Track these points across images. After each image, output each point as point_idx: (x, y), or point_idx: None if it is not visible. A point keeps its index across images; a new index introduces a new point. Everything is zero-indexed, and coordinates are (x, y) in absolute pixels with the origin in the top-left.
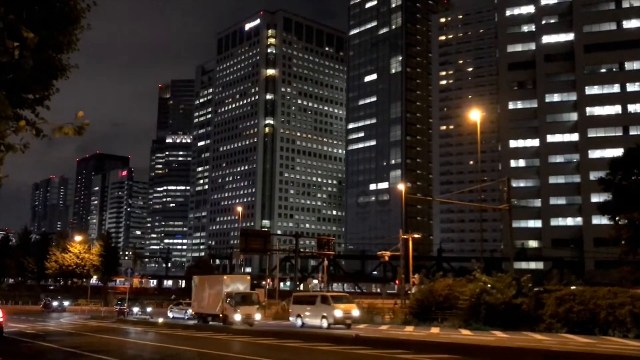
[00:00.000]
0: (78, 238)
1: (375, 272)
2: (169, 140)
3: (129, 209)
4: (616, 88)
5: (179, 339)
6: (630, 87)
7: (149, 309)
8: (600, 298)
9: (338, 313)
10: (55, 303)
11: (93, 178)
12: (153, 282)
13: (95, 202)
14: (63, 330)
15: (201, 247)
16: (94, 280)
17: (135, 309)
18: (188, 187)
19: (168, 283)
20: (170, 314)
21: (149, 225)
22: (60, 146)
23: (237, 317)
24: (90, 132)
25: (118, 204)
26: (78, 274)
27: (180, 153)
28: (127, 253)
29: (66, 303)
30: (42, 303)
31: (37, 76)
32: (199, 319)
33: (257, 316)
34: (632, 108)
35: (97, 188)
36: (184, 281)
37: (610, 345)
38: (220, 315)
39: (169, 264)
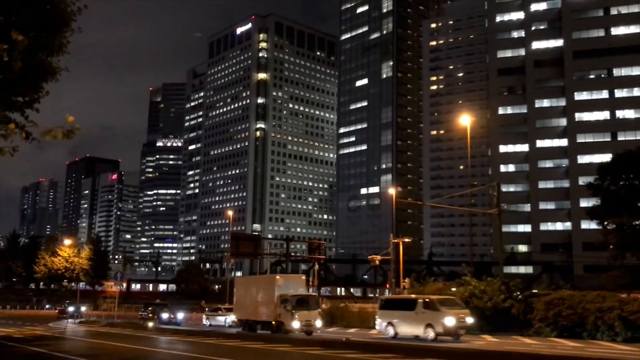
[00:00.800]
0: (67, 242)
1: (366, 277)
2: (159, 143)
3: (119, 213)
4: (605, 94)
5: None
6: (619, 93)
7: (180, 316)
8: (589, 302)
9: (449, 321)
10: (71, 309)
11: (83, 181)
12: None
13: (85, 205)
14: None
15: (191, 251)
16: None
17: (165, 315)
18: (178, 191)
19: (162, 287)
20: (206, 321)
21: (139, 229)
22: (50, 149)
23: (296, 324)
24: (80, 135)
25: (108, 207)
26: (67, 277)
27: (171, 157)
28: (117, 257)
29: (83, 309)
30: (58, 309)
31: (27, 79)
32: (244, 327)
33: (318, 323)
34: (620, 114)
35: (87, 191)
36: (174, 285)
37: (598, 349)
38: (274, 322)
39: (159, 268)
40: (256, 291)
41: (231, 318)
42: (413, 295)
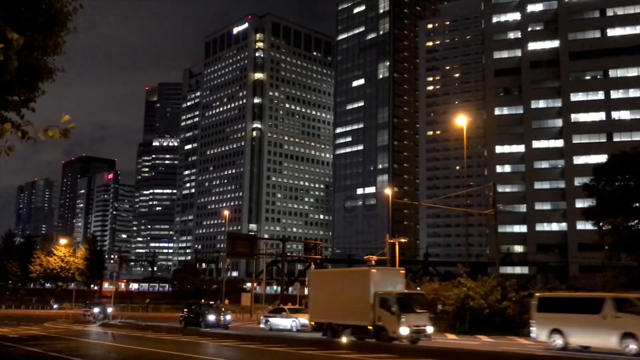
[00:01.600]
0: (63, 241)
1: None
2: (155, 143)
3: (114, 212)
4: (600, 95)
5: None
6: (614, 94)
7: (228, 317)
8: None
9: None
10: (96, 310)
11: (79, 181)
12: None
13: (81, 205)
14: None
15: (187, 250)
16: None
17: (212, 317)
18: (175, 191)
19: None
20: (264, 324)
21: (134, 228)
22: (45, 149)
23: (404, 330)
24: (76, 134)
25: (104, 207)
26: (63, 277)
27: (167, 156)
28: (112, 256)
29: (110, 310)
30: (83, 310)
31: (23, 78)
32: (324, 332)
33: (430, 329)
34: (616, 115)
35: (82, 191)
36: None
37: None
38: (370, 326)
39: (155, 268)
40: (342, 288)
41: (300, 321)
42: (591, 294)
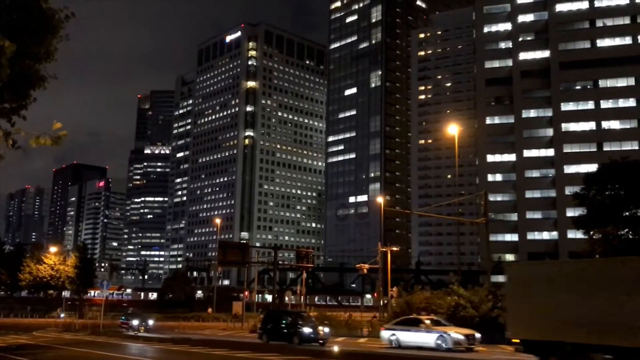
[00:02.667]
0: (53, 249)
1: (354, 285)
2: (147, 151)
3: (105, 220)
4: (590, 105)
5: None
6: (604, 104)
7: (327, 330)
8: None
9: None
10: (135, 322)
11: (70, 188)
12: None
13: (72, 212)
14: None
15: (178, 259)
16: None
17: (307, 330)
18: (166, 199)
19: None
20: (390, 338)
21: (125, 236)
22: (36, 156)
23: None
24: (67, 142)
25: (95, 214)
26: (53, 285)
27: (159, 164)
28: (103, 265)
29: (151, 322)
30: (120, 322)
31: (14, 85)
32: (545, 355)
33: None
34: (606, 124)
35: (73, 199)
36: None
37: None
38: None
39: (146, 276)
40: (598, 287)
41: (452, 336)
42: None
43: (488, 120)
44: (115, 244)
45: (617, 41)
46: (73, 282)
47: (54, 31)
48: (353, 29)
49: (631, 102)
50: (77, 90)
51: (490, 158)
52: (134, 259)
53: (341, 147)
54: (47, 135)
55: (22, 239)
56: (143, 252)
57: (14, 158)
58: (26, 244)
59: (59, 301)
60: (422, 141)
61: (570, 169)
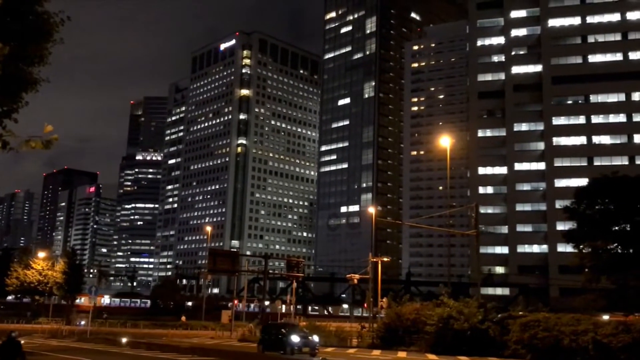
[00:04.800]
0: (42, 254)
1: (344, 295)
2: (139, 157)
3: (95, 226)
4: (582, 119)
5: None
6: (595, 119)
7: (315, 338)
8: (564, 325)
9: None
10: (296, 339)
11: (60, 193)
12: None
13: (61, 218)
14: None
15: (168, 266)
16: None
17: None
18: (157, 205)
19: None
20: None
21: (115, 243)
22: (27, 160)
23: None
24: (58, 147)
25: (84, 220)
26: (40, 291)
27: (150, 170)
28: (92, 271)
29: (316, 338)
30: (260, 336)
31: (6, 88)
32: None
33: None
34: (596, 139)
35: (63, 204)
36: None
37: None
38: None
39: (135, 283)
40: None
41: None
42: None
43: (480, 133)
44: (104, 250)
45: (609, 57)
46: (61, 288)
47: (48, 35)
48: (347, 40)
49: (621, 118)
50: (70, 95)
51: (482, 170)
52: (123, 265)
53: (334, 157)
54: (38, 139)
55: (11, 243)
56: (132, 259)
57: (4, 161)
58: (14, 248)
59: (47, 307)
60: (415, 152)
61: (560, 183)
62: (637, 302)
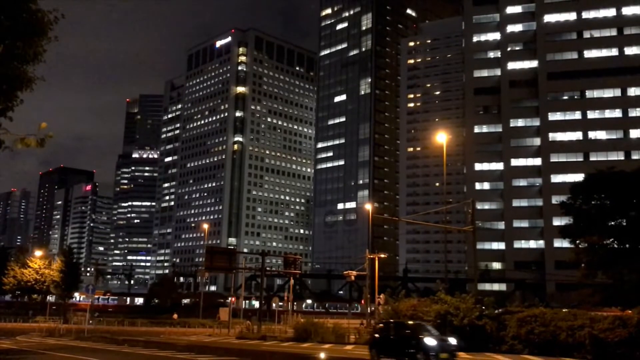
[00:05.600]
0: (38, 253)
1: (341, 292)
2: (135, 155)
3: (92, 224)
4: (577, 115)
5: None
6: (591, 115)
7: (454, 341)
8: (561, 320)
9: None
10: (431, 342)
11: (56, 192)
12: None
13: (58, 216)
14: None
15: (165, 264)
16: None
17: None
18: (153, 203)
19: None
20: None
21: (112, 241)
22: (23, 159)
23: None
24: (54, 145)
25: (81, 219)
26: (37, 290)
27: (147, 168)
28: (89, 269)
29: (454, 342)
30: (373, 337)
31: (1, 87)
32: None
33: None
34: (592, 135)
35: (60, 202)
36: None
37: None
38: None
39: (132, 281)
40: None
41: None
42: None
43: (476, 129)
44: (101, 248)
45: (604, 52)
46: (58, 286)
47: (43, 33)
48: (343, 36)
49: (617, 113)
50: (66, 93)
51: (478, 166)
52: (121, 263)
53: (330, 154)
54: (33, 137)
55: (7, 242)
56: (129, 257)
57: (0, 160)
58: (11, 247)
59: (44, 305)
60: (411, 149)
61: (557, 179)
62: (633, 296)
